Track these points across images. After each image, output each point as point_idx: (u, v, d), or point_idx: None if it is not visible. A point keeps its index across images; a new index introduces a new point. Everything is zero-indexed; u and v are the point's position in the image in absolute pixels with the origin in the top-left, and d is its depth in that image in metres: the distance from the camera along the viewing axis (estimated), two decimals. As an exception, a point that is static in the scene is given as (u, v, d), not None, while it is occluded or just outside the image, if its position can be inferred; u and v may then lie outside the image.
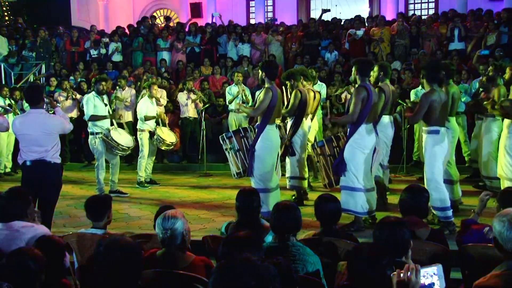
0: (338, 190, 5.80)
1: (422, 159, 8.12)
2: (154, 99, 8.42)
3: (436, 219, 5.63)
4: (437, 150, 5.36)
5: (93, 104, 7.49)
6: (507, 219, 2.57)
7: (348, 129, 5.61)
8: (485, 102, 6.80)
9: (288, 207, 3.30)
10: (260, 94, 6.04)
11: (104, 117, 7.56)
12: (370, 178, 5.67)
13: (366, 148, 5.53)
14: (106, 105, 7.68)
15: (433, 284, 2.15)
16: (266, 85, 5.95)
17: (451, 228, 5.37)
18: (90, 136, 7.59)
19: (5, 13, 17.76)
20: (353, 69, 5.69)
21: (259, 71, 6.17)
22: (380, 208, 6.10)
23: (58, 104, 5.61)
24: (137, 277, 2.45)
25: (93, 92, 7.62)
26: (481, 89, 7.83)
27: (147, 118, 8.22)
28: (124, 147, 7.60)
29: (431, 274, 2.16)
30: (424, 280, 2.14)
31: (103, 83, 7.63)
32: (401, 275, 2.11)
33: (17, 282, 2.50)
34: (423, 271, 2.15)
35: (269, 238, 3.49)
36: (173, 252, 3.03)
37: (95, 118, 7.50)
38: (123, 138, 7.74)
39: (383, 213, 6.03)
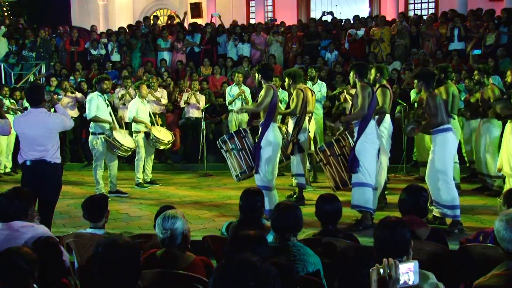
0: (344, 191, 5.84)
1: (420, 158, 8.16)
2: (145, 100, 8.42)
3: (438, 220, 5.62)
4: (449, 148, 5.38)
5: (97, 103, 7.47)
6: (506, 219, 2.58)
7: (357, 126, 5.62)
8: (489, 111, 6.81)
9: (289, 207, 3.31)
10: (261, 92, 6.13)
11: (105, 121, 7.51)
12: (376, 176, 5.70)
13: (375, 144, 5.62)
14: (108, 105, 7.68)
15: (409, 280, 2.15)
16: (265, 84, 6.09)
17: (460, 227, 5.37)
18: (91, 136, 7.55)
19: (5, 13, 17.76)
20: (351, 73, 5.78)
21: (256, 74, 6.27)
22: (378, 208, 6.11)
23: (59, 97, 5.60)
24: (137, 277, 2.45)
25: (97, 92, 7.62)
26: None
27: (135, 120, 8.18)
28: (126, 148, 7.60)
29: (410, 270, 2.15)
30: (403, 278, 2.13)
31: (106, 82, 7.64)
32: (381, 271, 2.08)
33: (10, 282, 2.49)
34: (402, 266, 2.14)
35: (269, 238, 3.49)
36: (173, 252, 3.03)
37: (97, 119, 7.47)
38: (125, 139, 7.74)
39: (382, 213, 6.05)
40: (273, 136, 6.00)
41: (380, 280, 2.07)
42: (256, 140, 6.17)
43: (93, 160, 7.67)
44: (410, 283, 2.16)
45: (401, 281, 2.14)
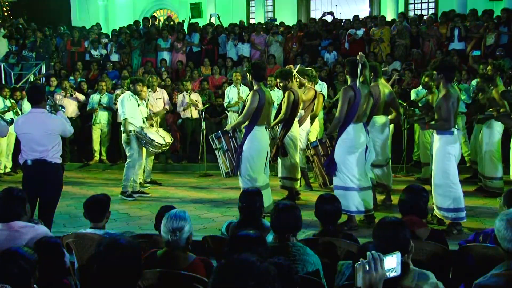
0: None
1: (423, 159, 8.15)
2: (143, 100, 8.41)
3: (435, 219, 5.61)
4: (450, 150, 5.29)
5: (128, 104, 7.55)
6: (506, 218, 2.58)
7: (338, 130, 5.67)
8: (493, 113, 6.75)
9: (289, 207, 3.30)
10: (247, 97, 6.12)
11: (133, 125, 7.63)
12: (364, 177, 5.70)
13: (355, 148, 5.57)
14: (139, 105, 7.74)
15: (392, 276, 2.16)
16: (254, 87, 6.05)
17: (459, 228, 5.35)
18: (124, 135, 7.62)
19: (5, 13, 17.76)
20: (345, 69, 5.77)
21: (247, 73, 6.24)
22: (381, 208, 6.13)
23: (63, 110, 5.62)
24: (137, 277, 2.45)
25: (130, 92, 7.68)
26: (476, 91, 7.85)
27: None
28: (158, 144, 7.63)
29: (391, 267, 2.16)
30: (387, 274, 2.13)
31: (140, 83, 7.74)
32: (367, 266, 2.07)
33: (12, 282, 2.49)
34: (387, 260, 2.13)
35: (269, 238, 3.49)
36: (174, 252, 3.02)
37: (126, 123, 7.52)
38: (156, 136, 7.77)
39: (382, 213, 6.06)
40: (256, 139, 5.98)
41: (367, 276, 2.06)
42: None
43: (128, 157, 7.66)
44: (394, 274, 2.16)
45: (387, 274, 2.14)
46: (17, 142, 5.97)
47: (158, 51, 13.00)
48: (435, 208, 5.48)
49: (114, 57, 13.00)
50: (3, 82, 11.90)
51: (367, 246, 2.53)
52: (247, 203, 3.82)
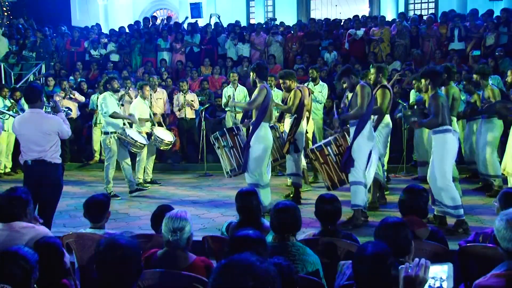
0: (343, 192, 5.87)
1: (419, 158, 8.15)
2: (146, 100, 8.44)
3: (437, 221, 5.63)
4: (448, 148, 5.36)
5: (110, 102, 7.56)
6: (506, 218, 2.59)
7: (355, 126, 5.66)
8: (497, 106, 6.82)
9: (288, 207, 3.30)
10: (255, 91, 6.21)
11: (124, 117, 7.66)
12: (365, 174, 5.79)
13: (370, 144, 5.70)
14: (118, 104, 7.75)
15: (441, 286, 2.12)
16: (259, 84, 6.15)
17: (465, 227, 5.39)
18: (103, 136, 7.64)
19: (5, 13, 17.75)
20: (345, 80, 5.86)
21: (251, 73, 6.35)
22: (371, 207, 6.19)
23: (69, 112, 5.61)
24: (137, 277, 2.45)
25: (108, 92, 7.68)
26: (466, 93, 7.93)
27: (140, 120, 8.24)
28: (140, 144, 7.65)
29: (440, 277, 2.12)
30: (432, 282, 2.09)
31: (116, 80, 7.76)
32: (409, 270, 2.06)
33: (12, 282, 2.49)
34: (433, 269, 2.10)
35: (269, 238, 3.49)
36: (174, 252, 3.02)
37: (116, 115, 7.56)
38: (137, 136, 7.78)
39: (382, 213, 6.06)
40: (263, 135, 6.06)
41: (406, 278, 2.05)
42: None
43: (106, 159, 7.72)
44: (444, 285, 2.12)
45: (432, 283, 2.10)
46: (17, 142, 6.00)
47: (158, 51, 13.00)
48: (436, 207, 5.52)
49: (114, 57, 13.01)
50: (3, 82, 11.89)
51: (367, 245, 2.53)
52: (243, 203, 3.83)
